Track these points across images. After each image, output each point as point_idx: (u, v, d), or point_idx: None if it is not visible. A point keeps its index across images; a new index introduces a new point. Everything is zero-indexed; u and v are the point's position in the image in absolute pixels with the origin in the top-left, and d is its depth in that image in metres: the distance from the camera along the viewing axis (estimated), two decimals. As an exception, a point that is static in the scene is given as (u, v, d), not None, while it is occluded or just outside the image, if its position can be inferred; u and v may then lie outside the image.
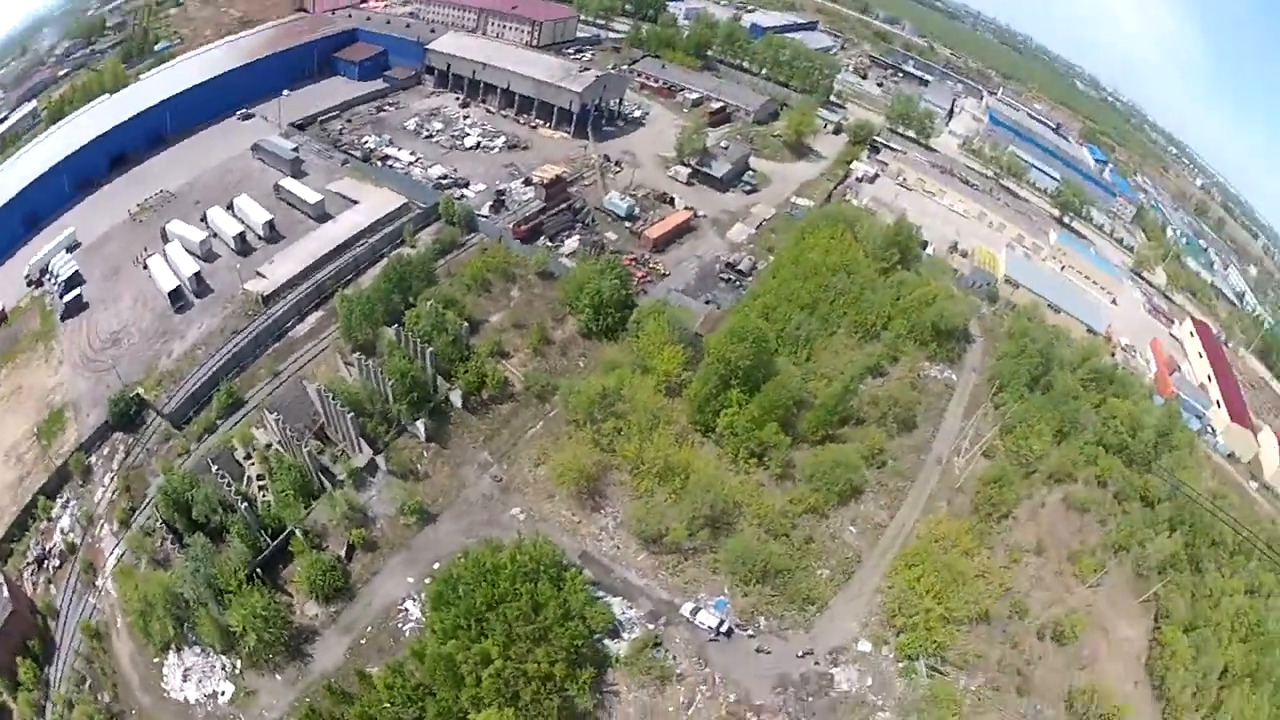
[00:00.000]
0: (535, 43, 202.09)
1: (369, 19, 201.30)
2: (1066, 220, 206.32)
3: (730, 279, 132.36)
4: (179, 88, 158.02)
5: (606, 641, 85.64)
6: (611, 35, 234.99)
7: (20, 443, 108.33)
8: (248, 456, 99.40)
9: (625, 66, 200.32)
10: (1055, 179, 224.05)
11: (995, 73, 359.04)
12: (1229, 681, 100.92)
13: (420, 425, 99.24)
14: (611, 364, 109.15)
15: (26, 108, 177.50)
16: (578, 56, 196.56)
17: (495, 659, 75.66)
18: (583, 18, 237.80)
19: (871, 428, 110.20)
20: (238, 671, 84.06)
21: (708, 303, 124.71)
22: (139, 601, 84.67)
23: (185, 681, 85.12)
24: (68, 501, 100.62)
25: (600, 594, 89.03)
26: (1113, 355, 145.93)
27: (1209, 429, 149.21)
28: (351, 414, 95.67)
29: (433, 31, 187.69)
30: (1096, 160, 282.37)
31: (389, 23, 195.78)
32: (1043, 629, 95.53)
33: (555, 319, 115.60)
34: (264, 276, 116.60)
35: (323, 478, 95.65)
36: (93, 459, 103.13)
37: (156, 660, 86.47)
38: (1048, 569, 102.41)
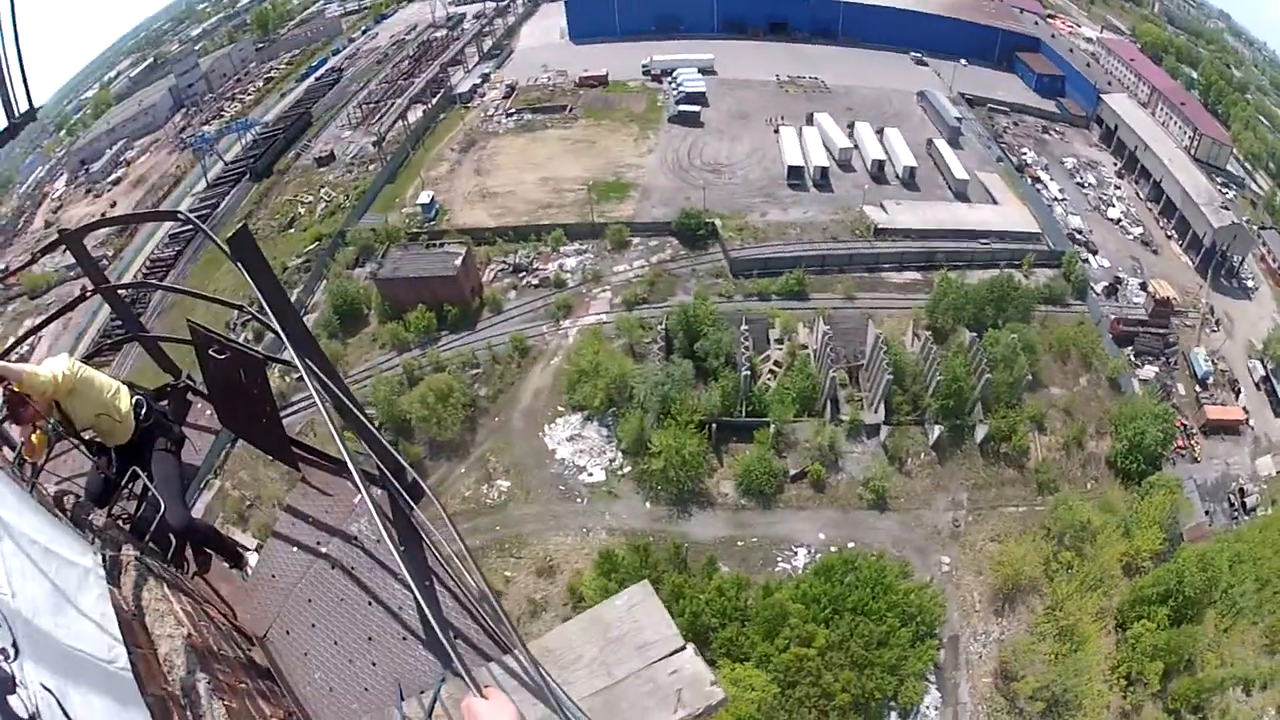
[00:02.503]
0: (1193, 152, 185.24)
1: (1054, 36, 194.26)
2: None
3: (1234, 505, 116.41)
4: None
5: (894, 716, 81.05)
6: (1253, 187, 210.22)
7: (566, 181, 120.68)
8: (779, 340, 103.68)
9: (1256, 227, 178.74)
10: None
11: None
12: None
13: (937, 430, 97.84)
14: (1108, 506, 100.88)
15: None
16: (1223, 190, 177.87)
17: (814, 647, 74.25)
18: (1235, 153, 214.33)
19: None
20: (621, 472, 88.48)
21: (1206, 513, 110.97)
22: (590, 360, 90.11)
23: (568, 441, 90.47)
24: (584, 251, 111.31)
25: (931, 679, 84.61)
26: None
27: None
28: (891, 376, 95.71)
29: (1109, 84, 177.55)
30: None
31: (1071, 51, 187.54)
32: None
33: (1098, 430, 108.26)
34: (886, 211, 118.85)
35: (829, 405, 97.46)
36: (635, 240, 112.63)
37: (560, 409, 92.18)
38: None
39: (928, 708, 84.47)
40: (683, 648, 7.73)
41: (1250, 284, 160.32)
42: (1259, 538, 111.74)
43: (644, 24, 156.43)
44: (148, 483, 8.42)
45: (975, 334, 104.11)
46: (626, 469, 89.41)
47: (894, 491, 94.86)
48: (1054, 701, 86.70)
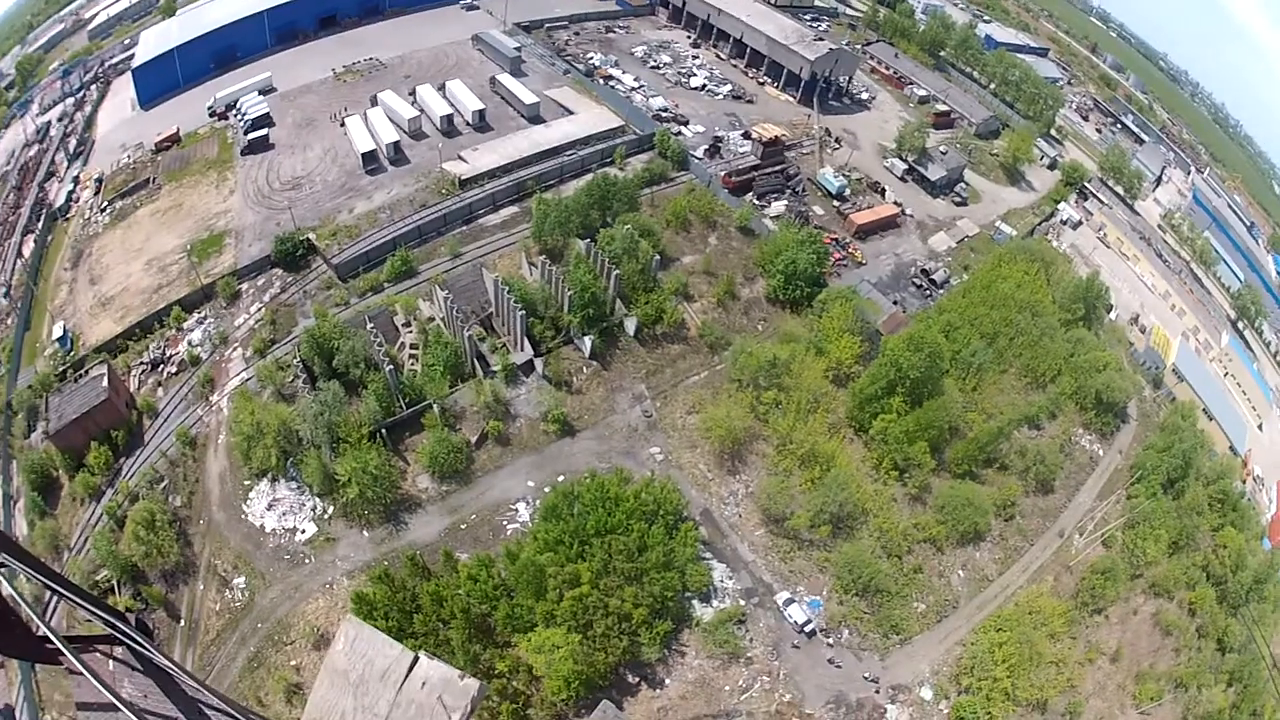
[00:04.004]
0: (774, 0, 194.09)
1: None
2: (1240, 326, 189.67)
3: (922, 286, 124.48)
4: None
5: (695, 602, 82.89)
6: (848, 11, 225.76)
7: (168, 255, 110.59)
8: (406, 324, 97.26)
9: (859, 46, 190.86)
10: (1239, 278, 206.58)
11: (1205, 150, 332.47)
12: None
13: (588, 341, 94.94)
14: (788, 336, 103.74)
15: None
16: (813, 24, 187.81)
17: (584, 583, 73.71)
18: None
19: (1012, 478, 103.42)
20: (326, 516, 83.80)
21: (895, 303, 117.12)
22: (250, 426, 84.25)
23: (269, 510, 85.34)
24: (205, 318, 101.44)
25: (707, 555, 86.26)
26: (1244, 481, 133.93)
27: None
28: (523, 312, 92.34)
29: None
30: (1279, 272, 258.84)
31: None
32: None
33: (746, 276, 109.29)
34: (465, 161, 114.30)
35: (476, 363, 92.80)
36: (244, 286, 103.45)
37: (247, 483, 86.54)
38: (1114, 679, 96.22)
39: (721, 581, 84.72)
40: (416, 659, 8.68)
41: (865, 96, 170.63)
42: (963, 302, 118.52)
43: (203, 66, 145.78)
44: None
45: (589, 239, 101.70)
46: (330, 510, 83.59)
47: (574, 413, 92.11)
48: (837, 518, 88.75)
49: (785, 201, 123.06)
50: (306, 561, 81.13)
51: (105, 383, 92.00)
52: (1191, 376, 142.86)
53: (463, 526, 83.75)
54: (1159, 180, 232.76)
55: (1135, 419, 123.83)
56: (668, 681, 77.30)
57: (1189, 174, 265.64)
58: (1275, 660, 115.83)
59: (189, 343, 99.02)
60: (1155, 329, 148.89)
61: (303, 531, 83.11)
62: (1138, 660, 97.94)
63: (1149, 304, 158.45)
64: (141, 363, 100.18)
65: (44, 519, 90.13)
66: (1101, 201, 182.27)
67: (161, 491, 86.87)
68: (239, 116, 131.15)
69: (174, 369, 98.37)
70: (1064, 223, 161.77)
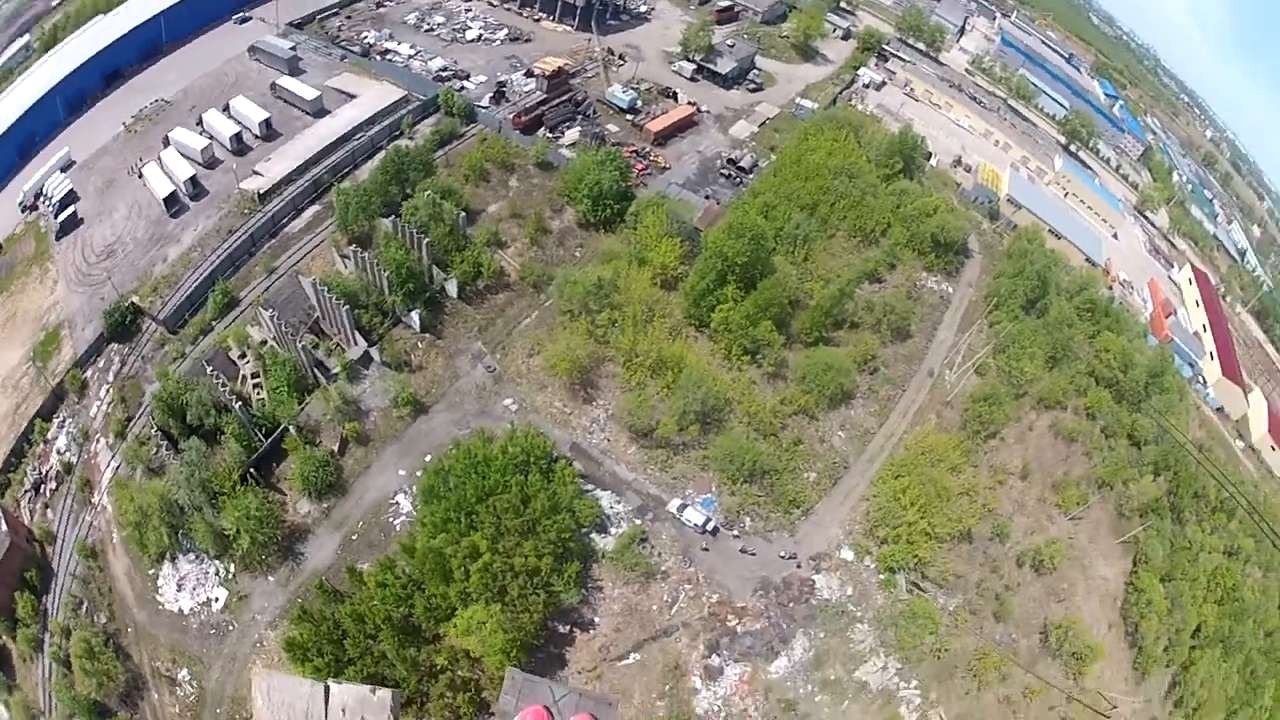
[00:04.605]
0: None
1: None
2: (1073, 149, 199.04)
3: (731, 175, 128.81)
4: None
5: (594, 536, 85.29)
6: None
7: (16, 370, 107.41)
8: (242, 355, 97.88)
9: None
10: (1064, 106, 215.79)
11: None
12: (1201, 643, 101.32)
13: (415, 316, 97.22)
14: (608, 255, 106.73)
15: (20, 42, 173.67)
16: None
17: (484, 553, 74.88)
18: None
19: (865, 333, 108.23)
20: (231, 576, 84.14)
21: (707, 198, 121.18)
22: (134, 513, 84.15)
23: (180, 591, 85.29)
24: (64, 421, 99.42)
25: (589, 487, 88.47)
26: (1110, 289, 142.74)
27: (1200, 379, 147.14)
28: (346, 306, 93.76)
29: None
30: (1107, 95, 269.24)
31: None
32: (1022, 556, 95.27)
33: (553, 209, 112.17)
34: (260, 174, 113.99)
35: (317, 372, 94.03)
36: (88, 374, 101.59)
37: (151, 572, 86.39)
38: (1031, 494, 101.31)
39: (611, 507, 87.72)
40: (328, 689, 8.97)
41: (644, 8, 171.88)
42: (775, 181, 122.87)
43: (8, 162, 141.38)
44: None
45: (394, 215, 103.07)
46: (231, 568, 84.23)
47: (422, 390, 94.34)
48: (702, 416, 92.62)
49: (578, 128, 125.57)
50: (231, 629, 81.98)
51: (4, 526, 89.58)
52: (1029, 203, 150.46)
53: (354, 537, 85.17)
54: (963, 30, 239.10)
55: (979, 252, 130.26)
56: (597, 620, 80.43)
57: (995, 19, 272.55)
58: (1199, 443, 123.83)
59: (58, 452, 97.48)
60: (982, 166, 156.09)
61: (216, 600, 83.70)
62: (1049, 472, 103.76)
63: (971, 145, 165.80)
64: (25, 490, 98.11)
65: (11, 693, 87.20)
66: (904, 60, 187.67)
67: (86, 614, 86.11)
68: (46, 202, 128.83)
69: (54, 484, 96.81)
70: (866, 86, 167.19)
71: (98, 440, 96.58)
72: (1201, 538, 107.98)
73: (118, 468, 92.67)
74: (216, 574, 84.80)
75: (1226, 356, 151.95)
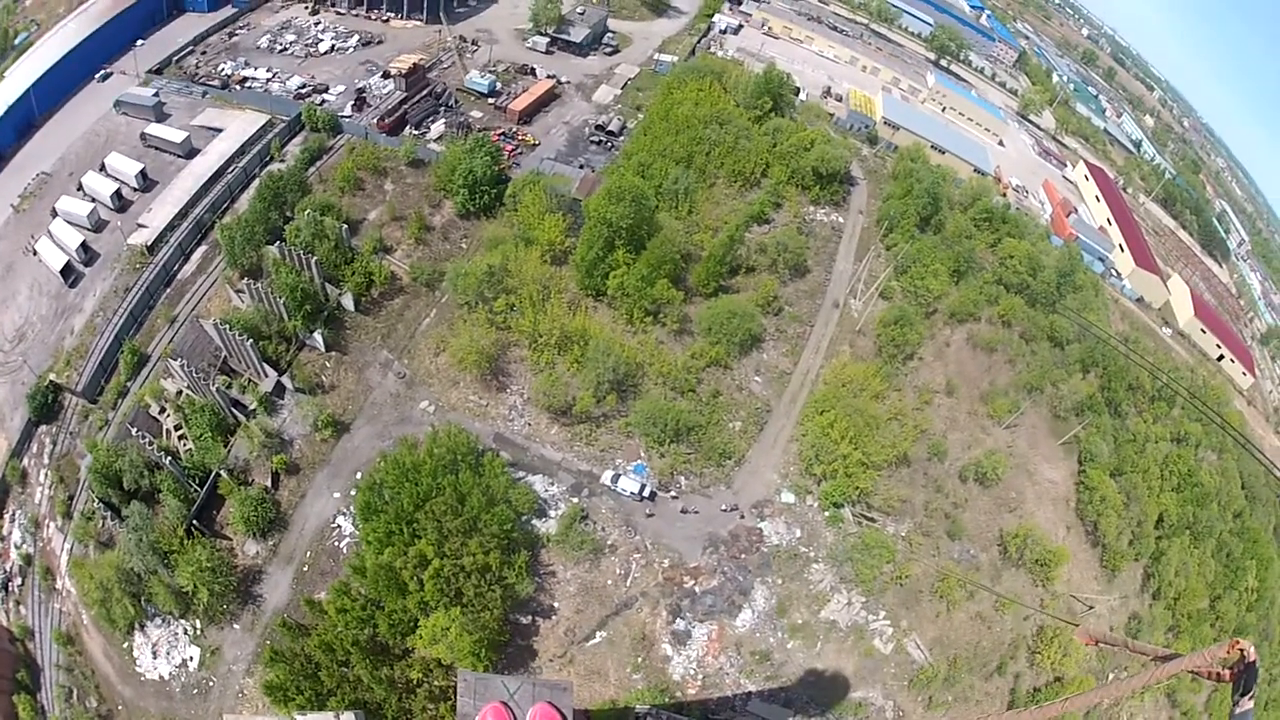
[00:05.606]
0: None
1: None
2: (944, 64, 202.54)
3: (601, 141, 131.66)
4: (39, 71, 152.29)
5: (535, 522, 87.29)
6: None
7: None
8: (162, 410, 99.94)
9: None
10: (928, 24, 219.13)
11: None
12: (1165, 532, 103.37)
13: (318, 336, 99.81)
14: (494, 241, 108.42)
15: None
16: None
17: (432, 559, 76.85)
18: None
19: (763, 275, 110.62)
20: (199, 632, 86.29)
21: (582, 167, 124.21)
22: (96, 590, 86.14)
23: (155, 658, 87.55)
24: (14, 514, 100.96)
25: (520, 475, 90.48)
26: (1003, 196, 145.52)
27: (1113, 273, 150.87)
28: (250, 340, 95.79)
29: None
30: (972, 6, 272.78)
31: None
32: (964, 471, 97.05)
33: (432, 205, 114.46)
34: (144, 226, 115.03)
35: (235, 411, 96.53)
36: (25, 462, 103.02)
37: (125, 645, 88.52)
38: (960, 409, 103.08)
39: (546, 490, 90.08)
40: None
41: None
42: (646, 140, 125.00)
43: None
44: None
45: (278, 241, 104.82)
46: (198, 624, 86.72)
47: (339, 410, 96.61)
48: (617, 384, 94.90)
49: (442, 120, 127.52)
50: (211, 684, 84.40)
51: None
52: (907, 122, 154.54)
53: (305, 568, 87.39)
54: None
55: (863, 178, 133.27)
56: (556, 605, 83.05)
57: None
58: (1123, 336, 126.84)
59: (15, 546, 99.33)
60: (852, 93, 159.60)
61: (191, 659, 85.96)
62: (974, 384, 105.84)
63: (838, 74, 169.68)
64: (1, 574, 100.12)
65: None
66: (758, 1, 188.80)
67: (78, 701, 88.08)
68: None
69: (19, 580, 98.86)
70: (724, 32, 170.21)
71: (48, 525, 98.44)
72: (1145, 428, 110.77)
73: (71, 549, 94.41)
74: (185, 633, 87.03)
75: (1137, 246, 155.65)
